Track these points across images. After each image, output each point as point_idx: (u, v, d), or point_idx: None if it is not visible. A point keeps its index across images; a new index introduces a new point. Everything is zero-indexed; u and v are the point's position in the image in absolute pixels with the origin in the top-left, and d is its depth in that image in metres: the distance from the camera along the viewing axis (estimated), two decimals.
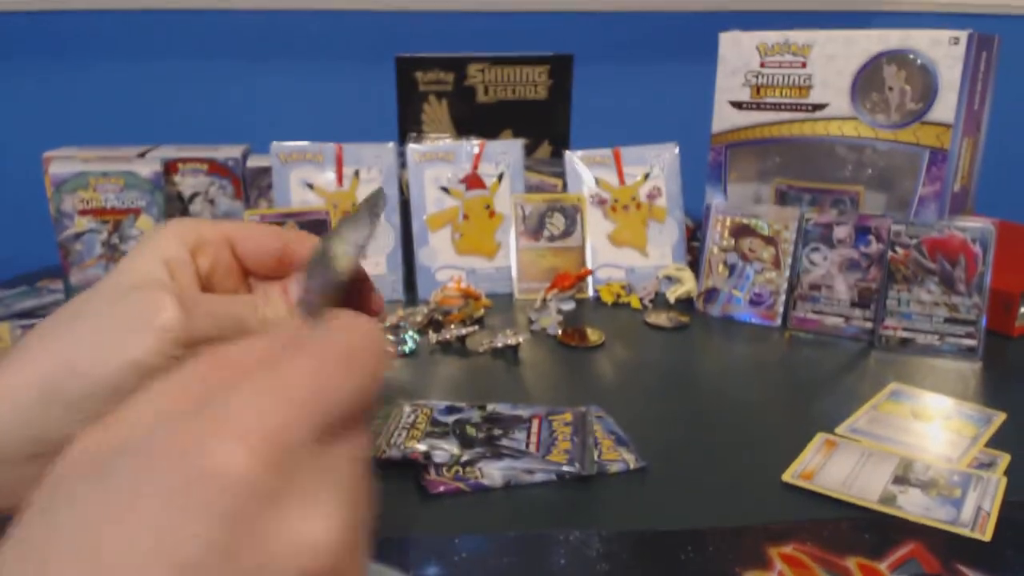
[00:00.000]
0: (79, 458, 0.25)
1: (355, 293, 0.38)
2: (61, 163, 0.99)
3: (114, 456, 0.24)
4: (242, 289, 0.41)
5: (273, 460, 0.24)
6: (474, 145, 1.09)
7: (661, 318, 0.97)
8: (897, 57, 0.90)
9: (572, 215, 1.07)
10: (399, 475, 0.60)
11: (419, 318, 0.92)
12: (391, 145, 1.08)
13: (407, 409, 0.68)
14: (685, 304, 1.02)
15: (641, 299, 1.02)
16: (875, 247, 0.91)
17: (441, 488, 0.58)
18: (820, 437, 0.66)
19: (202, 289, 0.39)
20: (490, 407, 0.69)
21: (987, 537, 0.53)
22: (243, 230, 0.40)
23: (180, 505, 0.23)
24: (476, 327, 0.90)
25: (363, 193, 1.06)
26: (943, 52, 0.87)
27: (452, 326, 0.89)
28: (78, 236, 0.99)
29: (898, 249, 0.89)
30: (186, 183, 1.08)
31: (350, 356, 0.28)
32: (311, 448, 0.26)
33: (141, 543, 0.22)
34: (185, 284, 0.38)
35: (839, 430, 0.68)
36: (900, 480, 0.60)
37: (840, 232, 0.93)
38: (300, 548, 0.25)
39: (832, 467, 0.61)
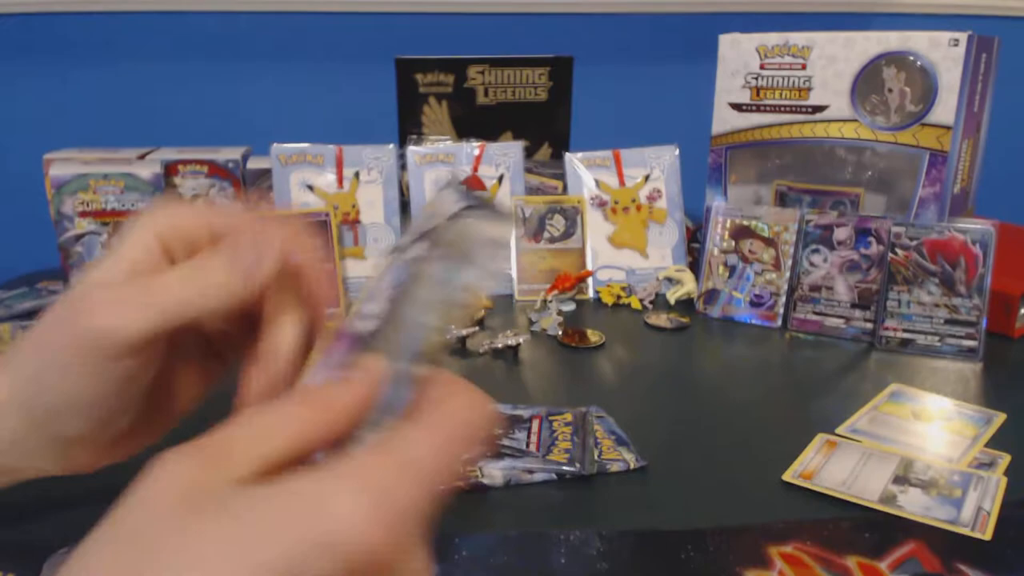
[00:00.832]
0: (194, 489, 0.25)
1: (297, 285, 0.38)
2: (61, 165, 0.99)
3: (242, 494, 0.25)
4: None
5: (393, 532, 0.25)
6: (474, 147, 1.09)
7: (661, 319, 0.97)
8: (897, 59, 0.90)
9: (572, 217, 1.07)
10: None
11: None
12: (391, 147, 1.08)
13: None
14: (685, 305, 1.02)
15: (641, 300, 1.02)
16: (875, 249, 0.91)
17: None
18: (820, 437, 0.66)
19: None
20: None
21: (987, 536, 0.53)
22: (218, 221, 0.38)
23: (303, 557, 0.24)
24: (476, 328, 0.90)
25: (363, 194, 1.06)
26: (943, 54, 0.88)
27: (452, 327, 0.89)
28: (78, 238, 0.99)
29: (898, 251, 0.89)
30: (186, 185, 1.08)
31: (468, 433, 0.29)
32: (418, 521, 0.27)
33: None
34: (144, 275, 0.37)
35: (840, 430, 0.68)
36: (900, 480, 0.60)
37: (840, 234, 0.93)
38: None
39: (832, 467, 0.61)
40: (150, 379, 0.38)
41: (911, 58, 0.89)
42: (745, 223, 0.99)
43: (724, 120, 1.02)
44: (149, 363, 0.37)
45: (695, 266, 1.07)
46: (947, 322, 0.86)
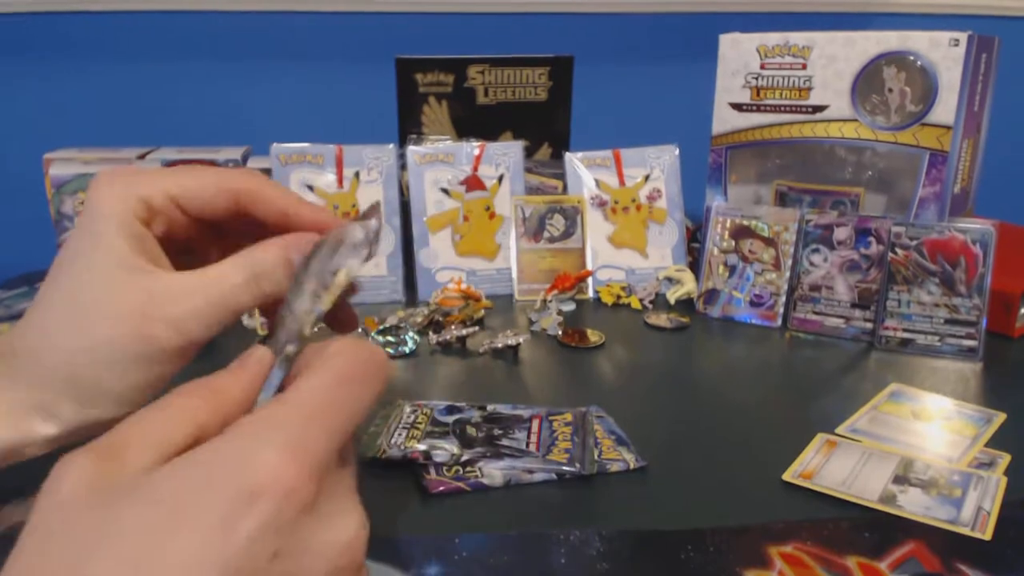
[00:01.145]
0: (100, 482, 0.26)
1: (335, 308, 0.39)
2: (61, 164, 0.99)
3: (150, 477, 0.26)
4: (208, 237, 0.43)
5: (313, 473, 0.27)
6: (474, 147, 1.09)
7: (661, 319, 0.97)
8: (897, 59, 0.90)
9: (572, 216, 1.07)
10: (399, 475, 0.60)
11: (419, 319, 0.92)
12: (391, 147, 1.08)
13: (407, 409, 0.68)
14: (685, 305, 1.02)
15: (641, 300, 1.02)
16: (875, 248, 0.91)
17: (441, 488, 0.58)
18: (820, 437, 0.66)
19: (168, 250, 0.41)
20: (490, 407, 0.69)
21: (987, 536, 0.53)
22: (185, 184, 0.40)
23: (235, 514, 0.25)
24: (476, 328, 0.90)
25: (364, 193, 1.06)
26: (943, 54, 0.88)
27: (452, 327, 0.89)
28: None
29: (898, 250, 0.89)
30: None
31: (356, 375, 0.30)
32: (333, 460, 0.28)
33: (191, 550, 0.24)
34: (159, 260, 0.39)
35: (839, 430, 0.68)
36: (900, 479, 0.60)
37: (840, 233, 0.93)
38: (336, 547, 0.28)
39: (832, 467, 0.61)
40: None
41: (911, 58, 0.89)
42: (745, 223, 0.99)
43: (724, 120, 1.02)
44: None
45: (695, 266, 1.07)
46: (947, 322, 0.86)
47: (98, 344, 0.37)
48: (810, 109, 0.96)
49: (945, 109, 0.88)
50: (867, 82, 0.92)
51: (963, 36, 0.86)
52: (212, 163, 1.07)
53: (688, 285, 1.03)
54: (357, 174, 1.06)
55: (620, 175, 1.10)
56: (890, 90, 0.91)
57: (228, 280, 0.37)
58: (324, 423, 0.28)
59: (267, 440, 0.26)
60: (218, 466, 0.26)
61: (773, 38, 0.96)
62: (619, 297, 1.03)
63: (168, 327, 0.36)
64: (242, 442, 0.26)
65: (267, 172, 1.07)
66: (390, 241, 1.05)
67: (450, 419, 0.66)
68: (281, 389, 0.32)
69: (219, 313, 0.37)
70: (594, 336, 0.90)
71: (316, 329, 0.34)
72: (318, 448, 0.27)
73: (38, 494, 0.26)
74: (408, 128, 1.21)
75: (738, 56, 0.99)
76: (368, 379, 0.31)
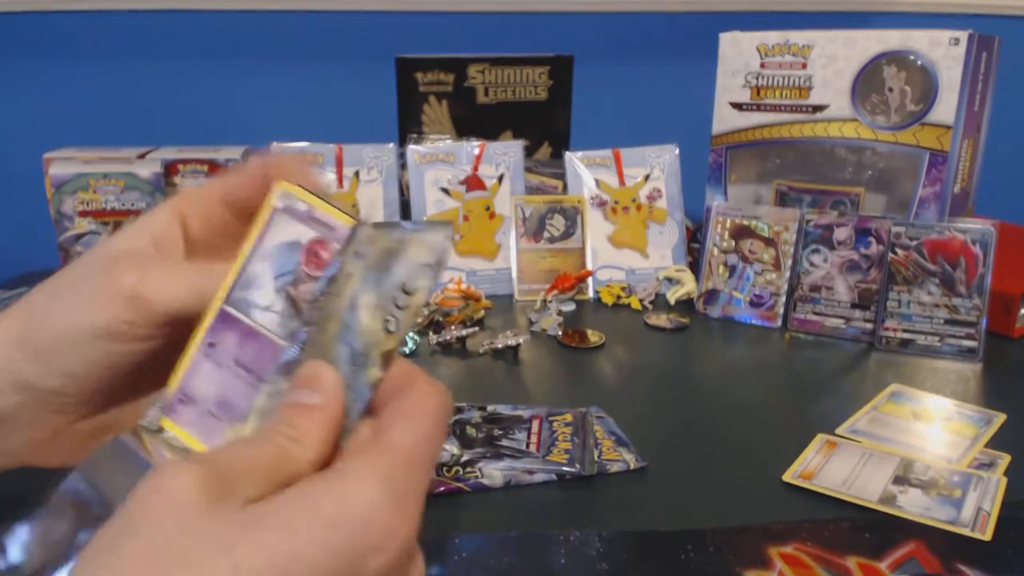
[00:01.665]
0: (213, 496, 0.27)
1: None
2: (61, 164, 0.99)
3: (265, 509, 0.27)
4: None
5: (416, 520, 0.29)
6: (474, 146, 1.09)
7: (661, 319, 0.97)
8: (897, 58, 0.90)
9: (572, 216, 1.07)
10: None
11: (419, 319, 0.92)
12: (391, 146, 1.08)
13: None
14: (685, 305, 1.02)
15: (641, 300, 1.02)
16: (875, 248, 0.91)
17: (441, 488, 0.58)
18: (820, 438, 0.66)
19: (199, 250, 0.40)
20: (490, 407, 0.69)
21: (987, 537, 0.53)
22: (229, 181, 0.40)
23: (358, 564, 0.27)
24: (476, 328, 0.90)
25: (363, 193, 1.06)
26: (943, 53, 0.88)
27: (452, 327, 0.89)
28: (78, 237, 0.99)
29: (898, 250, 0.89)
30: (186, 184, 1.08)
31: (443, 419, 0.32)
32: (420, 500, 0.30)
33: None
34: (171, 252, 0.39)
35: (839, 431, 0.68)
36: (900, 480, 0.60)
37: (840, 233, 0.93)
38: None
39: (832, 467, 0.61)
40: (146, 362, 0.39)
41: (911, 57, 0.89)
42: (745, 223, 0.99)
43: (724, 119, 1.02)
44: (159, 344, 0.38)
45: (695, 266, 1.07)
46: (947, 322, 0.86)
47: (75, 314, 0.37)
48: (810, 109, 0.96)
49: (945, 109, 0.88)
50: (867, 81, 0.92)
51: (963, 35, 0.86)
52: (212, 162, 1.07)
53: (688, 285, 1.03)
54: (357, 173, 1.06)
55: (620, 175, 1.10)
56: (890, 89, 0.91)
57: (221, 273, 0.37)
58: (423, 472, 0.30)
59: (369, 478, 0.28)
60: (338, 522, 0.27)
61: (773, 37, 0.96)
62: (619, 297, 1.03)
63: (137, 304, 0.36)
64: (355, 493, 0.28)
65: None
66: None
67: (450, 419, 0.66)
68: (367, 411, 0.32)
69: (197, 302, 0.36)
70: (594, 336, 0.90)
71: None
72: (419, 497, 0.29)
73: (138, 490, 0.27)
74: (408, 127, 1.21)
75: (738, 55, 0.99)
76: (447, 426, 0.33)
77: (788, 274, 0.95)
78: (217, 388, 0.35)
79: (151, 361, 0.39)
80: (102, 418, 0.39)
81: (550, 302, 1.00)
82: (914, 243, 0.88)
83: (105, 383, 0.37)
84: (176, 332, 0.39)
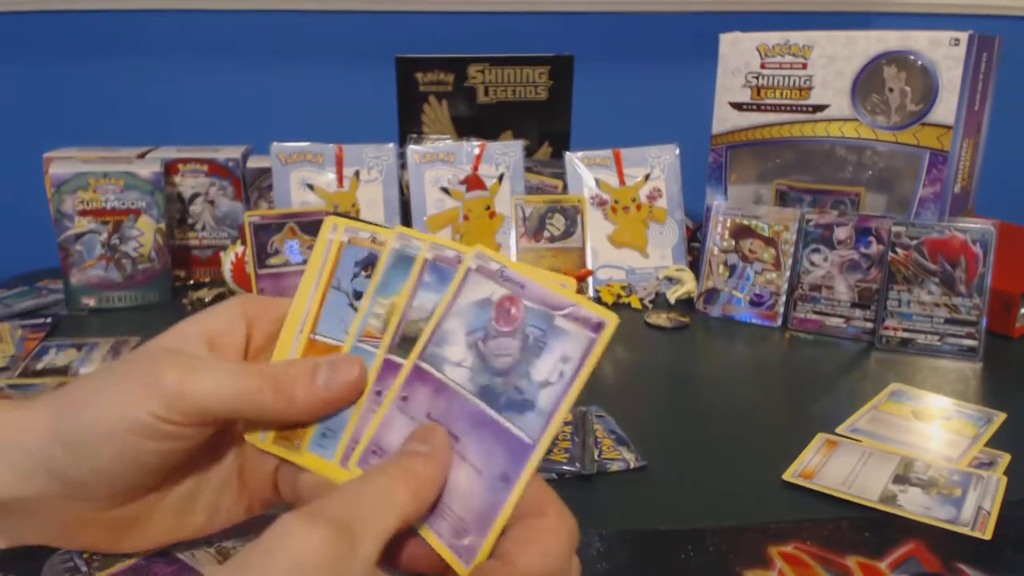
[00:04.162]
0: (339, 564, 0.28)
1: None
2: (61, 163, 0.99)
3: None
4: None
5: None
6: (474, 146, 1.09)
7: (661, 318, 0.97)
8: (897, 58, 0.90)
9: (572, 216, 1.07)
10: None
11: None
12: (391, 146, 1.08)
13: None
14: (685, 304, 1.02)
15: (641, 299, 1.02)
16: (875, 248, 0.91)
17: None
18: (821, 437, 0.66)
19: (258, 358, 0.40)
20: None
21: (987, 536, 0.53)
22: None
23: None
24: None
25: (364, 193, 1.06)
26: (943, 53, 0.88)
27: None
28: (78, 237, 0.99)
29: (898, 250, 0.89)
30: (186, 184, 1.08)
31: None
32: None
33: None
34: (227, 353, 0.39)
35: (840, 430, 0.68)
36: (900, 479, 0.60)
37: (840, 233, 0.93)
38: None
39: (832, 466, 0.61)
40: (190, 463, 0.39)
41: (912, 57, 0.89)
42: (745, 222, 0.99)
43: (724, 119, 1.02)
44: (198, 443, 0.38)
45: (695, 265, 1.07)
46: (947, 321, 0.86)
47: (111, 408, 0.36)
48: (810, 108, 0.96)
49: (945, 109, 0.88)
50: (867, 81, 0.92)
51: (964, 36, 0.86)
52: (212, 162, 1.07)
53: (688, 284, 1.03)
54: (357, 173, 1.06)
55: (620, 174, 1.10)
56: (890, 89, 0.91)
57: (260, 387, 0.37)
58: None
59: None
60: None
61: (773, 37, 0.96)
62: (619, 296, 1.03)
63: (176, 402, 0.35)
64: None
65: (267, 171, 1.07)
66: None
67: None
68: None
69: (238, 403, 0.36)
70: None
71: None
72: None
73: (261, 544, 0.28)
74: (408, 127, 1.21)
75: (738, 55, 0.99)
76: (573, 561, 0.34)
77: (788, 273, 0.95)
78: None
79: (183, 458, 0.38)
80: (129, 508, 0.39)
81: None
82: (914, 242, 0.88)
83: (133, 478, 0.37)
84: (213, 431, 0.38)
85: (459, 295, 0.37)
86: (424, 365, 0.36)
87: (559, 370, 0.33)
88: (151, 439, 0.35)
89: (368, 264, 0.40)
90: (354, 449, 0.37)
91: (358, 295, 0.40)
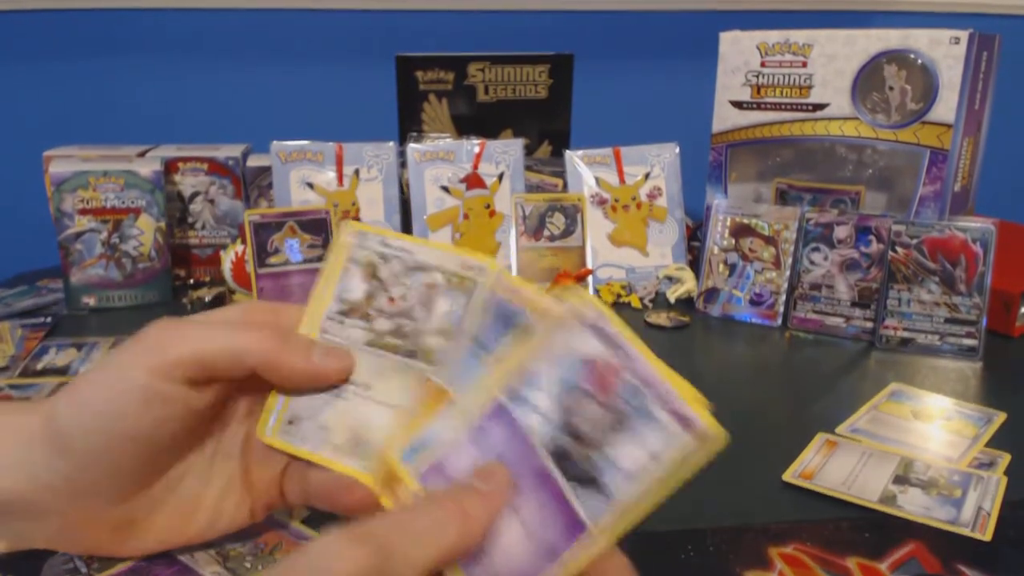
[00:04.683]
0: None
1: None
2: (61, 162, 0.99)
3: None
4: None
5: None
6: (474, 144, 1.09)
7: (661, 318, 0.97)
8: (897, 57, 0.90)
9: (572, 215, 1.07)
10: None
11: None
12: (391, 144, 1.08)
13: None
14: (685, 304, 1.02)
15: (641, 299, 1.02)
16: (876, 247, 0.91)
17: None
18: (820, 437, 0.66)
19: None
20: None
21: (987, 537, 0.53)
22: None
23: None
24: None
25: (363, 191, 1.06)
26: (943, 52, 0.87)
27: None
28: (78, 236, 0.99)
29: (899, 249, 0.89)
30: (186, 182, 1.08)
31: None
32: None
33: None
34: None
35: (839, 430, 0.68)
36: (900, 480, 0.60)
37: (841, 232, 0.93)
38: None
39: (832, 467, 0.61)
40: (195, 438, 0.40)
41: (912, 56, 0.89)
42: (745, 221, 0.99)
43: (724, 118, 1.01)
44: (202, 416, 0.38)
45: (695, 264, 1.07)
46: (947, 321, 0.86)
47: (110, 384, 0.36)
48: (810, 107, 0.96)
49: (946, 107, 0.88)
50: (868, 80, 0.92)
51: (964, 34, 0.86)
52: (212, 161, 1.07)
53: (688, 284, 1.03)
54: (357, 172, 1.06)
55: (620, 173, 1.10)
56: (891, 88, 0.91)
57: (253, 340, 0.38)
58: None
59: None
60: None
61: (773, 36, 0.96)
62: (619, 296, 1.03)
63: (173, 363, 0.36)
64: None
65: (267, 169, 1.07)
66: None
67: None
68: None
69: (232, 355, 0.37)
70: None
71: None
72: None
73: (306, 558, 0.28)
74: (408, 126, 1.21)
75: (738, 54, 0.99)
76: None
77: (788, 272, 0.95)
78: (471, 472, 0.35)
79: (185, 439, 0.39)
80: (131, 506, 0.39)
81: None
82: (914, 241, 0.88)
83: (133, 458, 0.37)
84: (211, 400, 0.39)
85: (557, 339, 0.34)
86: (506, 402, 0.34)
87: (643, 464, 0.31)
88: (149, 406, 0.36)
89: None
90: (417, 453, 0.36)
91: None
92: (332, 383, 0.39)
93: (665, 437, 0.31)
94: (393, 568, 0.29)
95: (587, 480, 0.31)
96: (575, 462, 0.32)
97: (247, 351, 0.37)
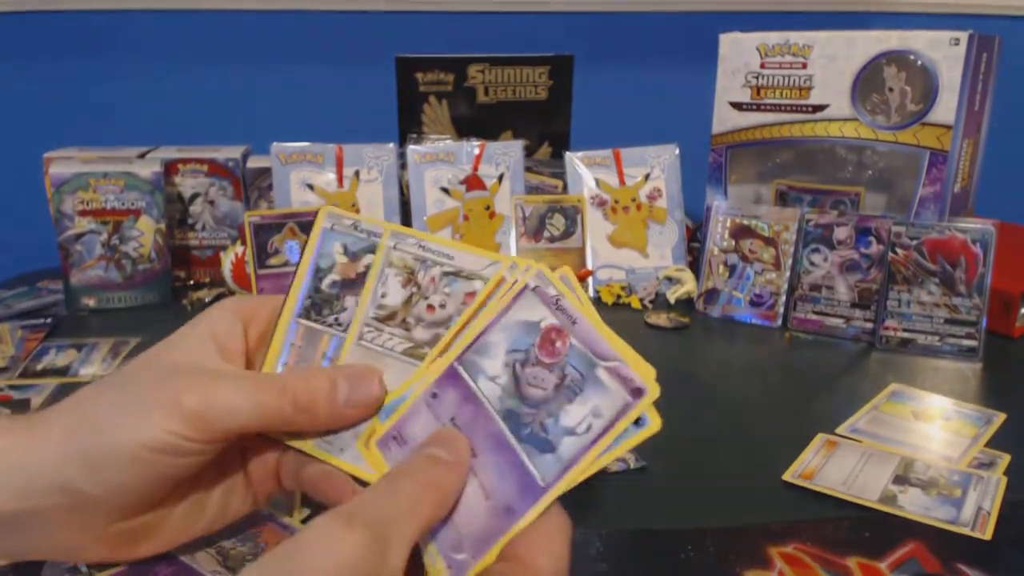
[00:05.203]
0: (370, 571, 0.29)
1: None
2: (61, 164, 0.99)
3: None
4: None
5: None
6: (474, 146, 1.09)
7: (661, 318, 0.97)
8: (897, 58, 0.90)
9: (572, 216, 1.07)
10: None
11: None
12: (391, 146, 1.08)
13: None
14: (685, 305, 1.02)
15: (641, 300, 1.02)
16: (875, 248, 0.91)
17: None
18: (821, 437, 0.66)
19: (252, 360, 0.41)
20: None
21: (987, 536, 0.53)
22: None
23: None
24: None
25: (363, 192, 1.06)
26: (943, 53, 0.87)
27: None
28: (78, 237, 0.99)
29: (898, 250, 0.89)
30: (186, 184, 1.08)
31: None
32: None
33: None
34: (232, 360, 0.39)
35: (840, 430, 0.68)
36: (900, 480, 0.60)
37: (840, 233, 0.93)
38: None
39: (832, 467, 0.61)
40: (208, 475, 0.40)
41: (912, 57, 0.89)
42: (745, 222, 0.99)
43: (724, 119, 1.02)
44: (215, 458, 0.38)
45: (695, 265, 1.07)
46: (947, 321, 0.86)
47: (132, 431, 0.36)
48: (810, 108, 0.96)
49: (945, 108, 0.88)
50: (867, 81, 0.92)
51: (963, 35, 0.86)
52: (212, 162, 1.07)
53: (688, 285, 1.03)
54: (357, 173, 1.06)
55: (620, 174, 1.10)
56: (890, 89, 0.91)
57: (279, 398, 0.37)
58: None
59: None
60: None
61: (773, 37, 0.96)
62: (619, 296, 1.03)
63: (198, 423, 0.35)
64: None
65: (267, 171, 1.07)
66: None
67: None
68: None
69: (259, 422, 0.37)
70: None
71: None
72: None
73: (302, 544, 0.29)
74: (408, 127, 1.21)
75: (738, 55, 0.99)
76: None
77: (788, 273, 0.95)
78: (426, 436, 0.36)
79: (199, 469, 0.39)
80: (139, 521, 0.39)
81: None
82: (914, 242, 0.88)
83: (149, 491, 0.37)
84: (229, 446, 0.39)
85: (509, 310, 0.36)
86: (460, 369, 0.36)
87: (588, 422, 0.33)
88: (171, 456, 0.36)
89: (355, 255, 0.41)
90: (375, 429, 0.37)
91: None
92: (368, 417, 0.38)
93: (609, 399, 0.33)
94: (390, 547, 0.29)
95: (540, 443, 0.33)
96: (528, 426, 0.34)
97: (272, 420, 0.37)
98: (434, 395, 0.36)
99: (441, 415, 0.35)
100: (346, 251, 0.41)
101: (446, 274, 0.39)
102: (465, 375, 0.35)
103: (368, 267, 0.41)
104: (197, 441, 0.36)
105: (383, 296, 0.40)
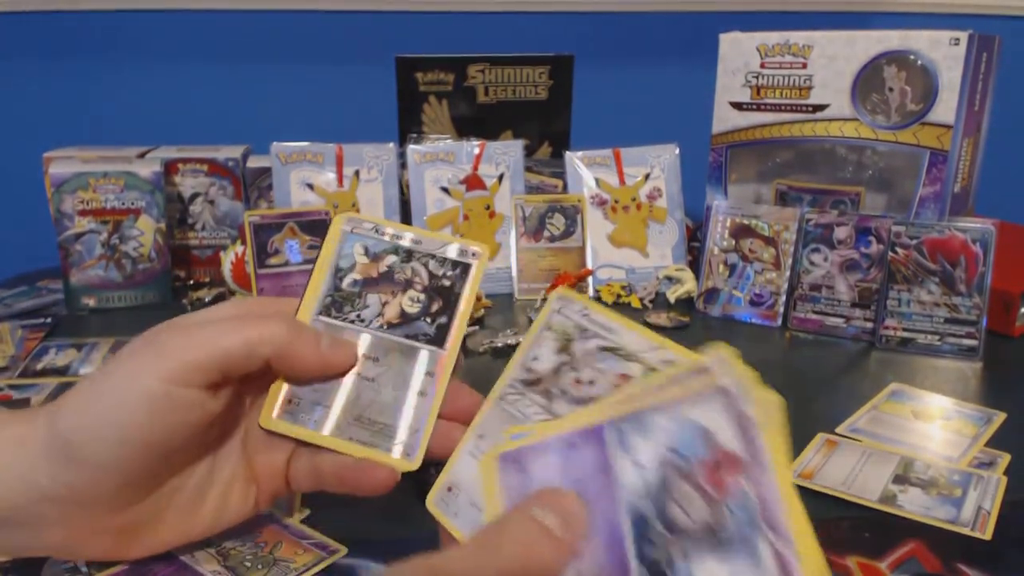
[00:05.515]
0: None
1: None
2: (61, 163, 0.99)
3: None
4: None
5: None
6: (474, 146, 1.09)
7: (661, 318, 0.97)
8: (897, 58, 0.90)
9: (572, 216, 1.07)
10: None
11: None
12: (391, 146, 1.08)
13: None
14: (685, 304, 1.02)
15: (641, 299, 1.02)
16: (875, 248, 0.91)
17: None
18: (820, 437, 0.66)
19: None
20: None
21: (987, 536, 0.53)
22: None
23: None
24: (476, 327, 0.90)
25: (363, 192, 1.06)
26: (943, 53, 0.87)
27: None
28: (78, 237, 0.99)
29: (898, 250, 0.89)
30: (186, 183, 1.08)
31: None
32: None
33: None
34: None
35: (840, 430, 0.68)
36: (900, 479, 0.60)
37: (840, 233, 0.93)
38: None
39: (832, 466, 0.61)
40: (203, 441, 0.40)
41: (912, 57, 0.89)
42: (745, 222, 0.99)
43: (724, 119, 1.02)
44: (211, 420, 0.38)
45: (695, 265, 1.07)
46: (947, 321, 0.86)
47: (122, 388, 0.36)
48: (810, 108, 0.96)
49: (945, 108, 0.88)
50: (867, 81, 0.92)
51: (964, 35, 0.86)
52: (212, 162, 1.07)
53: (688, 284, 1.03)
54: (357, 173, 1.06)
55: (620, 174, 1.10)
56: (890, 89, 0.91)
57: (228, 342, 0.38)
58: None
59: None
60: None
61: (773, 37, 0.96)
62: (619, 296, 1.03)
63: (188, 368, 0.36)
64: None
65: (267, 171, 1.07)
66: None
67: None
68: None
69: (246, 353, 0.37)
70: None
71: None
72: None
73: None
74: (408, 127, 1.21)
75: (738, 55, 0.99)
76: None
77: (788, 273, 0.95)
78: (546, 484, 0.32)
79: (191, 442, 0.39)
80: (138, 511, 0.39)
81: None
82: (914, 242, 0.88)
83: (141, 464, 0.37)
84: (222, 405, 0.39)
85: (685, 402, 0.30)
86: (608, 433, 0.30)
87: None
88: (166, 413, 0.36)
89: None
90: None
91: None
92: (339, 372, 0.40)
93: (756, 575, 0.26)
94: None
95: (657, 573, 0.28)
96: (653, 543, 0.28)
97: (260, 342, 0.37)
98: (572, 444, 0.31)
99: (570, 470, 0.30)
100: (367, 252, 0.42)
101: (603, 349, 0.35)
102: (611, 442, 0.30)
103: (391, 267, 0.41)
104: (188, 385, 0.36)
105: (534, 359, 0.37)
